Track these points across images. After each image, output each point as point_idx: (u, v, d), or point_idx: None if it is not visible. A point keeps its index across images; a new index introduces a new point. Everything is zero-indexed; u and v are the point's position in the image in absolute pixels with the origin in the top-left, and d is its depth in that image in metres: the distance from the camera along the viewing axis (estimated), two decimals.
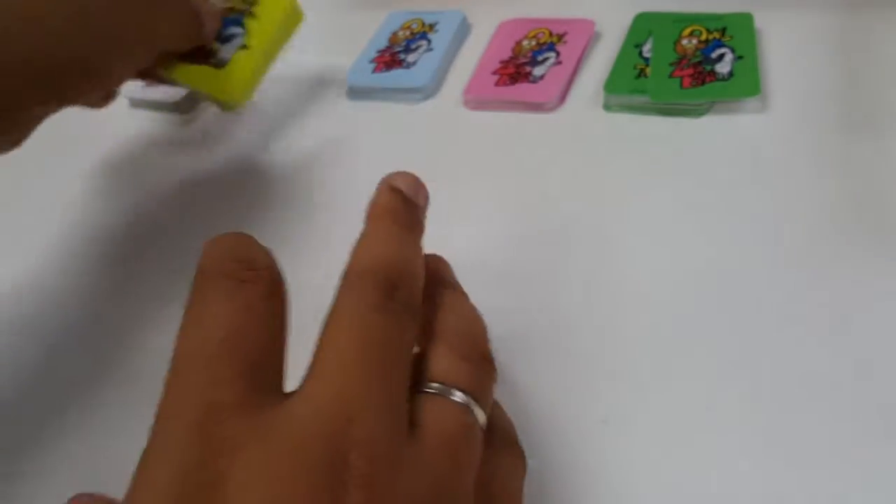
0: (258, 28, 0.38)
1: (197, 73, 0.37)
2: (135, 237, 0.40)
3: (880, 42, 0.38)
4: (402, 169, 0.40)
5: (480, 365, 0.23)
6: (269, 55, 0.39)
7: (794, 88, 0.37)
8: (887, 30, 0.39)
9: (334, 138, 0.42)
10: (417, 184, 0.26)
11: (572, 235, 0.34)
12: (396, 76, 0.44)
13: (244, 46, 0.38)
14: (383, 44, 0.47)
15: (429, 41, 0.46)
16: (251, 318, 0.20)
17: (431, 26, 0.47)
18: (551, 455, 0.26)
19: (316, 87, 0.46)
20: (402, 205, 0.25)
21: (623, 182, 0.35)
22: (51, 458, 0.31)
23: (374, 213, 0.24)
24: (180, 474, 0.17)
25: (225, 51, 0.38)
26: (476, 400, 0.22)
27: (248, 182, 0.41)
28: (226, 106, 0.39)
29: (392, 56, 0.45)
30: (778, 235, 0.31)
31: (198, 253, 0.20)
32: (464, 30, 0.47)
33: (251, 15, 0.38)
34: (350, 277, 0.22)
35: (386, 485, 0.18)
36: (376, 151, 0.41)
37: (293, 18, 0.40)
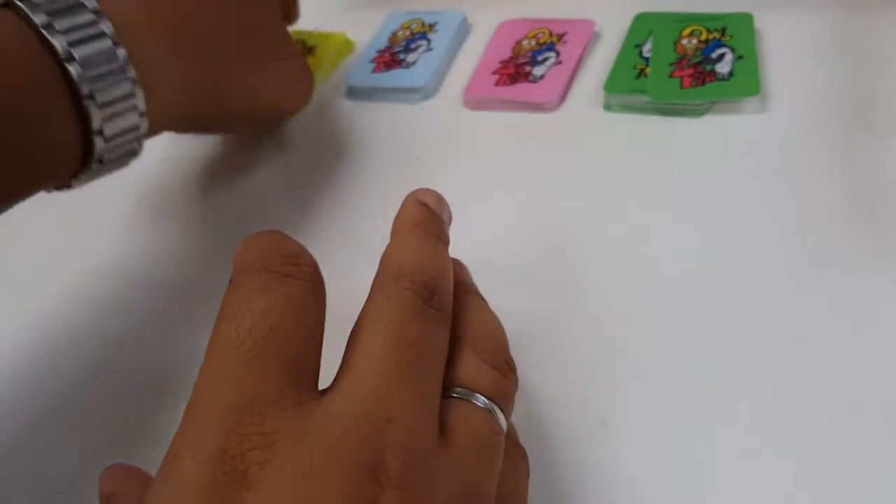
0: (313, 61, 0.46)
1: None
2: (133, 238, 0.40)
3: (880, 42, 0.38)
4: (401, 169, 0.40)
5: (505, 372, 0.23)
6: (319, 77, 0.45)
7: (794, 88, 0.37)
8: (887, 30, 0.39)
9: (334, 138, 0.42)
10: (441, 200, 0.26)
11: (572, 235, 0.34)
12: (396, 76, 0.44)
13: None
14: (383, 44, 0.47)
15: (429, 41, 0.46)
16: (294, 313, 0.20)
17: (431, 26, 0.47)
18: (549, 456, 0.26)
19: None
20: (430, 217, 0.25)
21: (623, 182, 0.35)
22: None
23: (405, 223, 0.25)
24: (212, 462, 0.17)
25: None
26: (499, 406, 0.22)
27: (247, 182, 0.41)
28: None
29: (392, 56, 0.45)
30: (778, 235, 0.31)
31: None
32: (464, 30, 0.47)
33: (313, 54, 0.47)
34: (386, 281, 0.22)
35: (420, 486, 0.18)
36: (376, 151, 0.41)
37: (345, 47, 0.48)
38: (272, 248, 0.21)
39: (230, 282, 0.21)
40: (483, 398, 0.22)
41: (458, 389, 0.22)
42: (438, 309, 0.22)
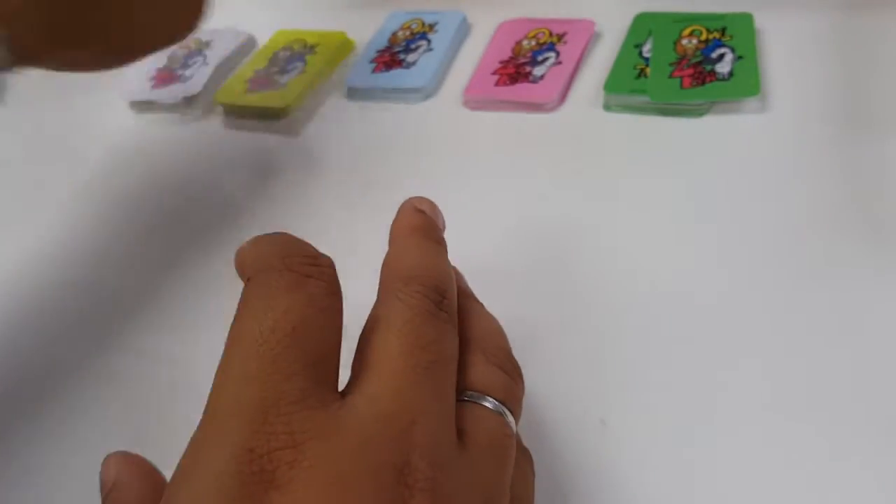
0: (314, 59, 0.47)
1: (261, 98, 0.45)
2: (133, 238, 0.40)
3: (880, 42, 0.38)
4: (401, 169, 0.40)
5: (513, 375, 0.23)
6: (320, 76, 0.46)
7: (794, 88, 0.37)
8: (887, 30, 0.39)
9: (334, 138, 0.42)
10: (435, 208, 0.26)
11: (571, 235, 0.34)
12: (396, 76, 0.44)
13: (302, 73, 0.46)
14: (383, 44, 0.47)
15: (429, 41, 0.46)
16: (316, 313, 0.20)
17: (431, 26, 0.47)
18: (549, 456, 0.26)
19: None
20: (428, 223, 0.25)
21: (623, 182, 0.35)
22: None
23: (403, 229, 0.25)
24: (237, 462, 0.17)
25: (284, 79, 0.46)
26: (509, 409, 0.22)
27: (248, 181, 0.41)
28: (278, 112, 0.44)
29: (392, 56, 0.45)
30: (777, 235, 0.31)
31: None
32: (464, 30, 0.47)
33: (313, 53, 0.47)
34: (395, 284, 0.22)
35: (447, 488, 0.18)
36: (376, 151, 0.41)
37: (345, 47, 0.48)
38: (291, 248, 0.21)
39: (249, 280, 0.20)
40: (493, 401, 0.22)
41: (470, 393, 0.22)
42: (448, 312, 0.22)
